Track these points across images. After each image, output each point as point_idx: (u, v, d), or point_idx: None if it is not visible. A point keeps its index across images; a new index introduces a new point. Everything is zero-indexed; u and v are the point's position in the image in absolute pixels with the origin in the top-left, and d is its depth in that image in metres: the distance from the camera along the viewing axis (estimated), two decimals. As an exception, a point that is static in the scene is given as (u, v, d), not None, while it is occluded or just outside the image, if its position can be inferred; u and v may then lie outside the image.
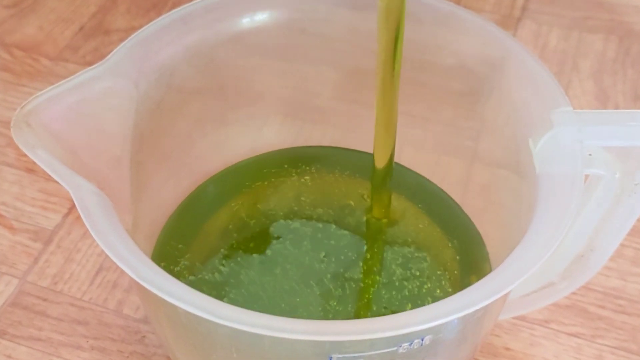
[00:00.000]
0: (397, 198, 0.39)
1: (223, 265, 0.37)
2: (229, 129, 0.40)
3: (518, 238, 0.28)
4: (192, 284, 0.35)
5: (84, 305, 0.39)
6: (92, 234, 0.26)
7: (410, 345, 0.27)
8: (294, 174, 0.40)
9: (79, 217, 0.41)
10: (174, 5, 0.53)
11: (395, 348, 0.27)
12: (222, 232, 0.38)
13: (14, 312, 0.39)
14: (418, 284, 0.36)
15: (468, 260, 0.37)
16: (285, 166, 0.41)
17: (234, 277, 0.36)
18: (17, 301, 0.39)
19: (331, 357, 0.27)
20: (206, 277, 0.36)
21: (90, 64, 0.49)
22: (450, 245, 0.37)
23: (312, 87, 0.40)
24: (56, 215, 0.43)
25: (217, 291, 0.35)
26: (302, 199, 0.39)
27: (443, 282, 0.36)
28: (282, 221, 0.38)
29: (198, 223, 0.38)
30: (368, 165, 0.37)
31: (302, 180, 0.40)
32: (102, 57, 0.32)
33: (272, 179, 0.40)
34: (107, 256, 0.26)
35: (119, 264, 0.26)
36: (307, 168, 0.41)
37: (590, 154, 0.30)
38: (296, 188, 0.40)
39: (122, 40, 0.33)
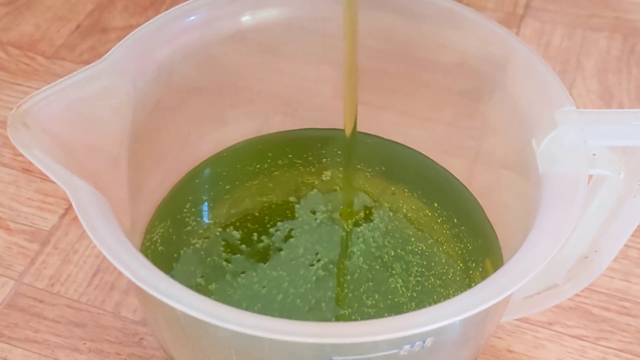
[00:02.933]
0: (401, 186, 0.39)
1: (212, 258, 0.36)
2: (227, 128, 0.39)
3: (521, 239, 0.28)
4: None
5: (81, 307, 0.39)
6: (90, 235, 0.26)
7: (411, 347, 0.27)
8: (290, 162, 0.40)
9: (75, 218, 0.41)
10: (172, 3, 0.53)
11: (396, 350, 0.27)
12: (209, 224, 0.38)
13: (10, 314, 0.39)
14: (424, 277, 0.36)
15: (477, 252, 0.36)
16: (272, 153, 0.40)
17: (223, 271, 0.36)
18: (13, 303, 0.39)
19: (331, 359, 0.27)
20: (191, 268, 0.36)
21: (87, 62, 0.49)
22: (458, 236, 0.37)
23: (312, 85, 0.39)
24: (53, 215, 0.43)
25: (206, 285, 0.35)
26: (299, 188, 0.39)
27: (451, 275, 0.36)
28: (275, 212, 0.38)
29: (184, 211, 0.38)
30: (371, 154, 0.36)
31: (299, 169, 0.40)
32: (99, 55, 0.32)
33: (268, 167, 0.40)
34: (104, 257, 0.26)
35: (116, 265, 0.25)
36: (303, 155, 0.40)
37: (594, 154, 0.29)
38: (292, 177, 0.40)
39: (119, 38, 0.33)
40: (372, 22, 0.35)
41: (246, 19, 0.36)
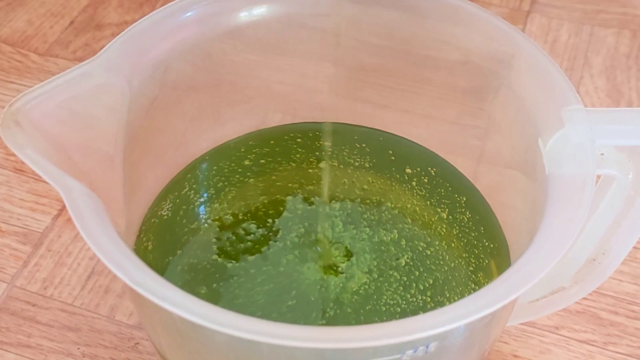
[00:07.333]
0: (405, 183, 0.38)
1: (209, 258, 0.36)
2: (225, 127, 0.39)
3: (527, 241, 0.28)
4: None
5: (75, 311, 0.39)
6: (84, 236, 0.26)
7: (414, 352, 0.27)
8: (289, 157, 0.40)
9: (69, 219, 0.41)
10: None
11: (399, 355, 0.26)
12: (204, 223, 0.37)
13: (1, 318, 0.39)
14: (428, 279, 0.35)
15: (483, 253, 0.36)
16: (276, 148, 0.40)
17: (218, 269, 0.35)
18: (5, 306, 0.39)
19: (332, 364, 0.26)
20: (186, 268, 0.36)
21: (81, 59, 0.49)
22: (464, 236, 0.37)
23: (311, 83, 0.39)
24: (46, 217, 0.43)
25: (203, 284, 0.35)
26: (300, 183, 0.39)
27: (455, 277, 0.35)
28: (273, 208, 0.38)
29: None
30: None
31: (298, 163, 0.39)
32: (94, 52, 0.32)
33: (266, 162, 0.39)
34: (99, 260, 0.26)
35: (111, 268, 0.25)
36: (302, 149, 0.40)
37: (602, 154, 0.29)
38: (291, 172, 0.39)
39: (114, 35, 0.33)
40: (375, 19, 0.34)
41: (244, 15, 0.35)
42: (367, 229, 0.37)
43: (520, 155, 0.33)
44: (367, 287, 0.35)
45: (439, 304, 0.34)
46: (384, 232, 0.37)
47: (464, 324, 0.25)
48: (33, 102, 0.29)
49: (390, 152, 0.39)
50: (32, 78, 0.49)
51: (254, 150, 0.39)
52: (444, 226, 0.37)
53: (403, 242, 0.36)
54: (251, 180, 0.39)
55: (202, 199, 0.38)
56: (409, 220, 0.37)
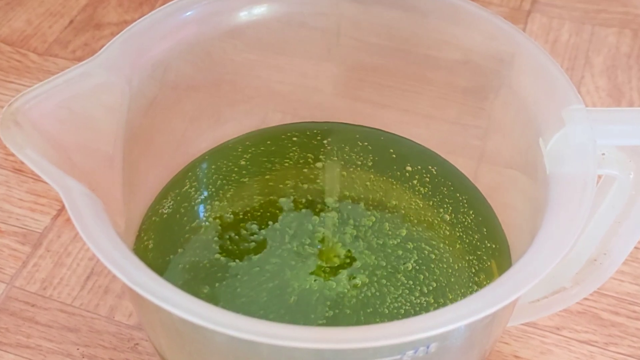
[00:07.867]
0: (406, 183, 0.38)
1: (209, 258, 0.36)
2: (225, 127, 0.39)
3: (528, 241, 0.28)
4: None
5: (75, 312, 0.39)
6: (83, 236, 0.26)
7: (415, 352, 0.26)
8: (289, 156, 0.39)
9: (69, 219, 0.41)
10: (168, -1, 0.53)
11: (399, 356, 0.26)
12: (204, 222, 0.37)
13: (0, 318, 0.38)
14: (428, 279, 0.35)
15: (484, 253, 0.36)
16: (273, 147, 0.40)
17: (218, 268, 0.35)
18: (4, 307, 0.39)
19: (332, 365, 0.26)
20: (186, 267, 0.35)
21: (80, 59, 0.49)
22: (464, 237, 0.37)
23: (312, 83, 0.39)
24: (45, 217, 0.42)
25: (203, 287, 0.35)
26: (299, 182, 0.38)
27: (456, 278, 0.35)
28: (273, 208, 0.37)
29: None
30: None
31: (298, 162, 0.39)
32: (93, 52, 0.32)
33: (265, 162, 0.39)
34: (98, 260, 0.26)
35: (110, 268, 0.25)
36: (302, 149, 0.40)
37: (603, 154, 0.29)
38: (290, 171, 0.39)
39: (113, 34, 0.33)
40: (375, 18, 0.34)
41: (244, 14, 0.35)
42: (369, 228, 0.37)
43: (521, 155, 0.33)
44: (367, 287, 0.35)
45: (441, 306, 0.34)
46: (386, 232, 0.37)
47: (464, 325, 0.25)
48: (32, 101, 0.29)
49: (391, 150, 0.39)
50: (31, 78, 0.49)
51: (250, 150, 0.39)
52: (447, 227, 0.37)
53: (405, 243, 0.36)
54: (248, 180, 0.38)
55: (202, 197, 0.38)
56: (412, 220, 0.37)
